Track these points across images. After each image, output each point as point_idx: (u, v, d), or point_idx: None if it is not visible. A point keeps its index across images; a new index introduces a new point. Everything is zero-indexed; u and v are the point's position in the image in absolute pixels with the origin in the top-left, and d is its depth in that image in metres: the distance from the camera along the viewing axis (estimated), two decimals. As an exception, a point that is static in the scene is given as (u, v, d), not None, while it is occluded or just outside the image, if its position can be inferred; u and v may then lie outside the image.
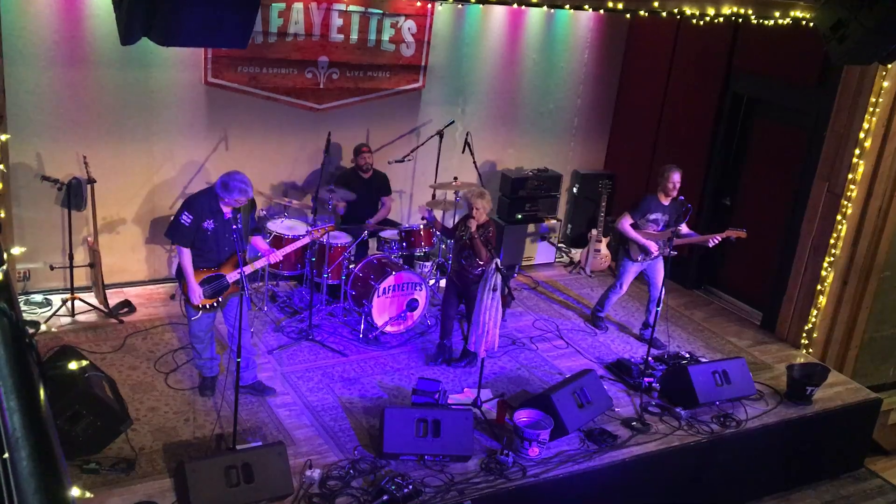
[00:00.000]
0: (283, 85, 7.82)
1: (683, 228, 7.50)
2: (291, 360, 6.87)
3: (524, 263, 9.39)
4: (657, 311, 6.97)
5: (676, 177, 7.30)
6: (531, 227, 9.34)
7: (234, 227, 5.52)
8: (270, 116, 7.96)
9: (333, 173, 8.38)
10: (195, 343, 6.09)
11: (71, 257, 7.07)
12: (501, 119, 9.36)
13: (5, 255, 2.02)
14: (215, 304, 5.86)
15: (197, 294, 5.73)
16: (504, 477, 5.55)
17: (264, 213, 8.01)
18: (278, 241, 7.28)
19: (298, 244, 6.37)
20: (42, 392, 1.46)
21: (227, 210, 5.73)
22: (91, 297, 7.28)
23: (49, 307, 7.15)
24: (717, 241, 7.32)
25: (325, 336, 7.28)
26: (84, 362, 5.49)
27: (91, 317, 7.15)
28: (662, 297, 6.97)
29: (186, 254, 5.70)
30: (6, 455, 1.24)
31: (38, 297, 7.26)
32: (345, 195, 7.71)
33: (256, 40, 7.46)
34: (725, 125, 8.87)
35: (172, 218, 5.80)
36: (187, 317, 5.98)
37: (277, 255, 6.05)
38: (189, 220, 5.63)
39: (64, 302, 7.12)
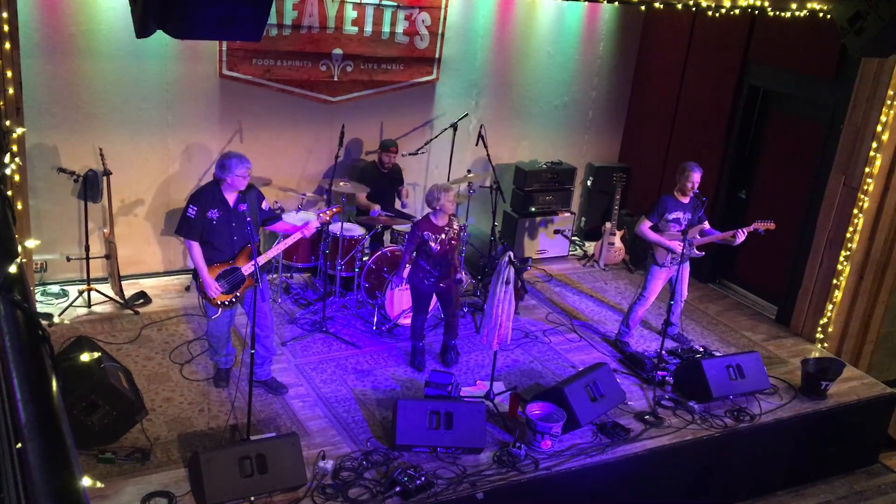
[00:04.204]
0: (297, 77, 7.84)
1: (705, 226, 7.21)
2: (305, 351, 6.91)
3: (537, 256, 9.38)
4: (680, 308, 6.85)
5: (696, 176, 6.93)
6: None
7: (248, 218, 5.53)
8: (284, 109, 7.99)
9: (354, 165, 8.41)
10: (212, 341, 6.13)
11: (87, 249, 7.12)
12: (515, 112, 9.35)
13: (20, 248, 2.04)
14: (233, 300, 5.87)
15: (213, 288, 5.73)
16: (516, 469, 5.56)
17: (279, 205, 8.04)
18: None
19: (312, 224, 6.23)
20: (54, 383, 1.48)
21: (230, 197, 5.75)
22: (107, 289, 7.34)
23: (65, 298, 7.22)
24: (744, 237, 6.96)
25: (338, 328, 7.31)
26: (100, 353, 5.54)
27: (107, 308, 7.21)
28: (685, 296, 6.88)
29: (196, 248, 5.70)
30: (19, 445, 1.26)
31: (55, 288, 7.33)
32: (357, 188, 7.74)
33: (271, 33, 7.48)
34: (741, 118, 8.81)
35: (180, 214, 5.83)
36: (206, 315, 5.98)
37: (311, 228, 5.96)
38: (194, 212, 5.66)
39: (80, 293, 7.19)
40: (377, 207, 7.88)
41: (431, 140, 8.61)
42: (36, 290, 7.19)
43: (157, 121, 7.49)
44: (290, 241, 5.99)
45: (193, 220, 5.67)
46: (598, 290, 8.85)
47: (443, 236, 6.48)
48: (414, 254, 6.61)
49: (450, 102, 8.83)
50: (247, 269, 5.81)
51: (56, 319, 6.84)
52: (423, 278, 6.58)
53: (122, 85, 7.26)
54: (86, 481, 1.34)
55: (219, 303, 5.79)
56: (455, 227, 6.61)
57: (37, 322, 1.61)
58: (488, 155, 8.29)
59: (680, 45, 9.32)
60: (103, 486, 4.89)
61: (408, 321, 7.38)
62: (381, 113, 8.50)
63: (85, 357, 5.33)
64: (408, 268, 6.76)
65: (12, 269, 1.72)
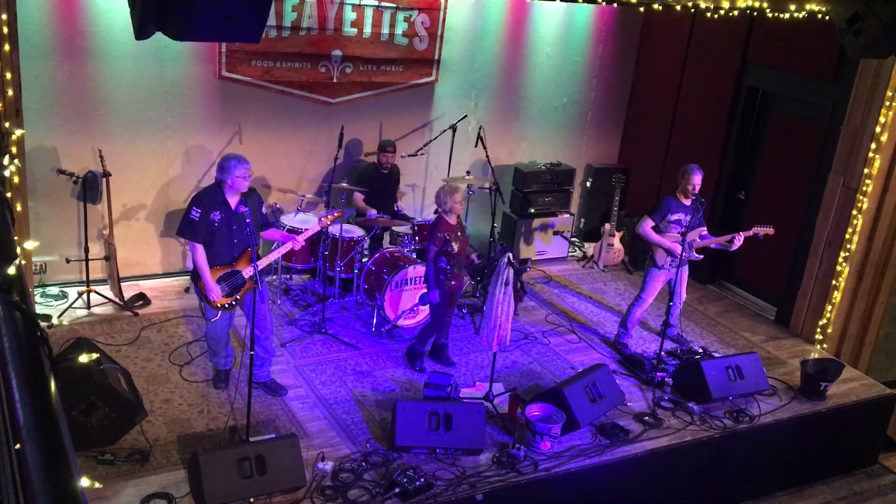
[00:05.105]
0: (296, 79, 7.85)
1: (703, 230, 7.20)
2: (304, 353, 6.91)
3: (536, 258, 9.39)
4: (679, 309, 6.82)
5: (697, 178, 6.95)
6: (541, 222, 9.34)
7: (248, 220, 5.53)
8: (284, 110, 7.99)
9: (354, 166, 8.42)
10: (211, 343, 6.13)
11: (86, 250, 7.12)
12: (514, 113, 9.35)
13: (18, 250, 2.05)
14: (233, 303, 5.87)
15: (215, 291, 5.72)
16: (516, 471, 5.56)
17: (279, 206, 8.06)
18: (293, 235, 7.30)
19: (312, 230, 6.31)
20: (53, 384, 1.48)
21: (232, 200, 5.74)
22: (106, 290, 7.34)
23: (65, 300, 7.22)
24: (742, 241, 7.00)
25: (337, 329, 7.31)
26: (99, 355, 5.54)
27: (106, 309, 7.20)
28: (684, 297, 6.80)
29: (200, 250, 5.69)
30: (18, 446, 1.27)
31: (55, 290, 7.33)
32: (356, 189, 7.75)
33: (270, 34, 7.48)
34: (740, 119, 8.82)
35: (182, 216, 5.83)
36: (205, 318, 5.97)
37: (300, 241, 5.96)
38: (198, 214, 5.65)
39: (80, 294, 7.19)
40: (373, 211, 7.88)
41: (431, 141, 8.61)
42: (35, 292, 7.19)
43: (156, 122, 7.50)
44: (284, 249, 6.00)
45: (197, 222, 5.66)
46: (598, 291, 8.85)
47: (459, 234, 6.52)
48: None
49: (449, 104, 8.83)
50: (247, 272, 5.80)
51: (55, 321, 6.84)
52: (442, 280, 6.59)
53: (121, 87, 7.26)
54: (84, 482, 1.35)
55: (219, 305, 5.79)
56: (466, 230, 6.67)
57: (35, 323, 1.62)
58: (487, 156, 8.30)
59: (679, 47, 9.33)
60: (102, 486, 4.90)
61: (407, 322, 7.39)
62: (380, 114, 8.51)
63: (84, 358, 5.33)
64: (421, 266, 6.79)
65: (11, 270, 1.72)
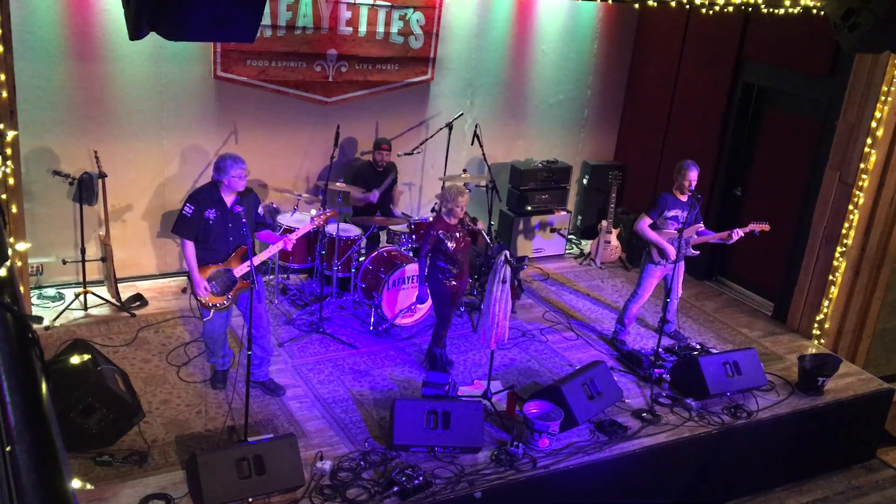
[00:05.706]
0: (292, 78, 7.84)
1: (700, 226, 7.24)
2: (302, 352, 6.91)
3: (533, 255, 9.39)
4: (675, 305, 6.83)
5: (693, 174, 6.96)
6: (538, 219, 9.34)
7: (243, 220, 5.53)
8: (280, 110, 7.99)
9: (350, 165, 8.41)
10: (209, 343, 6.13)
11: (83, 251, 7.12)
12: (511, 110, 9.35)
13: (10, 251, 2.04)
14: (225, 302, 5.87)
15: (201, 287, 5.72)
16: (514, 468, 5.56)
17: (275, 206, 8.05)
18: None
19: (304, 230, 6.27)
20: (44, 387, 1.48)
21: (228, 199, 5.74)
22: (103, 291, 7.33)
23: (62, 301, 7.21)
24: (740, 236, 7.03)
25: (335, 329, 7.30)
26: (97, 356, 5.53)
27: (103, 310, 7.20)
28: (680, 293, 6.82)
29: (190, 247, 5.71)
30: (9, 448, 1.26)
31: (51, 292, 7.33)
32: (352, 189, 7.74)
33: (265, 34, 7.47)
34: (736, 115, 8.81)
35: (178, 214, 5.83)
36: (201, 317, 5.98)
37: (291, 240, 5.95)
38: (191, 211, 5.66)
39: (76, 296, 7.18)
40: (375, 192, 7.86)
41: (427, 140, 8.61)
42: (32, 294, 7.18)
43: (152, 123, 7.49)
44: (275, 249, 6.01)
45: (190, 218, 5.68)
46: (595, 288, 8.85)
47: (457, 234, 6.51)
48: (429, 258, 6.61)
49: (445, 102, 8.83)
50: (238, 270, 5.79)
51: (47, 322, 6.82)
52: (441, 280, 6.57)
53: (116, 87, 7.25)
54: (76, 483, 1.34)
55: (210, 304, 5.78)
56: (468, 224, 6.58)
57: (27, 325, 1.61)
58: (484, 154, 8.29)
59: (674, 43, 9.33)
60: (94, 487, 4.90)
61: (404, 321, 7.39)
62: (376, 113, 8.50)
63: (81, 360, 5.33)
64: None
65: (2, 272, 1.71)
